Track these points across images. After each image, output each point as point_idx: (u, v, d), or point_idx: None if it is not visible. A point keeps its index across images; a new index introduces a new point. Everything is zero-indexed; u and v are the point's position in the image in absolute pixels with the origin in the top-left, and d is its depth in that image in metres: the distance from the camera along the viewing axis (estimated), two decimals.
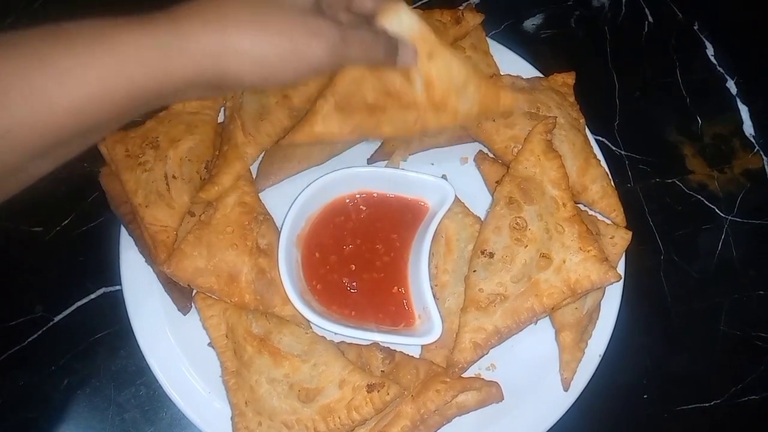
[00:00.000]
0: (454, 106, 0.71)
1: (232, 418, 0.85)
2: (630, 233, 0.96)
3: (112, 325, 0.96)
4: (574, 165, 0.97)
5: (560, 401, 0.91)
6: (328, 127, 0.73)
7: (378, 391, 0.81)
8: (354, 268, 0.92)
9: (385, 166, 1.01)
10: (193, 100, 0.96)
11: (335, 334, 0.88)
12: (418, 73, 0.68)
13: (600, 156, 1.02)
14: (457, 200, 0.95)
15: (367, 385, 0.81)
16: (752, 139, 1.16)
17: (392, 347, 0.89)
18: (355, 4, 0.67)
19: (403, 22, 0.67)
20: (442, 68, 0.68)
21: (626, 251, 0.96)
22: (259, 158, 0.99)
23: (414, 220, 0.96)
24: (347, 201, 0.96)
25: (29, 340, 0.96)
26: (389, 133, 0.74)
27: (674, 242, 1.07)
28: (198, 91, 0.60)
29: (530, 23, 1.22)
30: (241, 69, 0.58)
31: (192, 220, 0.93)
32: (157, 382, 0.89)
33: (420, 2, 1.20)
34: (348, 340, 0.89)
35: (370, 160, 1.02)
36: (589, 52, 1.22)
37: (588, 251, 0.88)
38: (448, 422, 0.88)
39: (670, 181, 1.12)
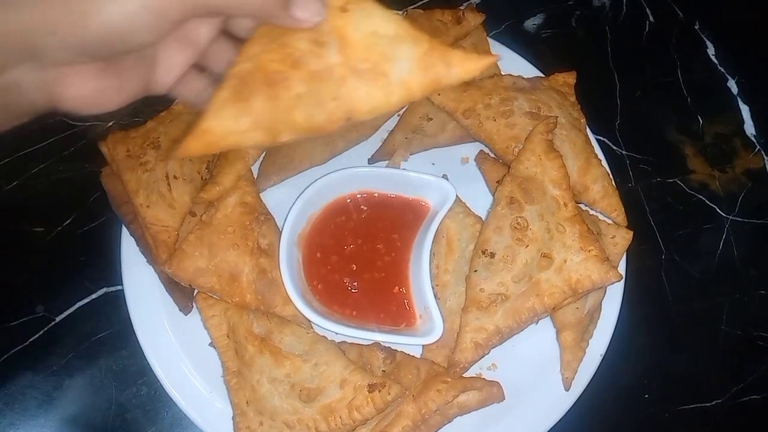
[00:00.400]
0: (384, 72, 0.50)
1: (233, 417, 0.85)
2: (631, 233, 0.96)
3: (113, 325, 0.96)
4: (575, 165, 0.97)
5: (561, 401, 0.91)
6: (221, 121, 0.52)
7: (379, 391, 0.81)
8: (355, 268, 0.92)
9: (386, 166, 1.01)
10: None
11: (336, 333, 0.88)
12: (330, 31, 0.51)
13: (601, 156, 1.01)
14: (458, 200, 0.95)
15: (368, 384, 0.81)
16: (753, 139, 1.16)
17: (393, 347, 0.89)
18: None
19: None
20: (361, 22, 0.50)
21: (627, 251, 0.96)
22: (261, 158, 0.99)
23: (415, 220, 0.96)
24: (348, 201, 0.96)
25: (31, 340, 0.96)
26: (304, 124, 0.52)
27: (675, 242, 1.07)
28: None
29: (531, 23, 1.22)
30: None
31: (193, 220, 0.93)
32: (159, 381, 0.89)
33: (420, 2, 1.20)
34: (349, 340, 0.89)
35: (371, 160, 1.02)
36: (590, 51, 1.22)
37: (589, 251, 0.88)
38: (449, 422, 0.88)
39: (671, 180, 1.12)
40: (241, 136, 0.52)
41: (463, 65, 0.50)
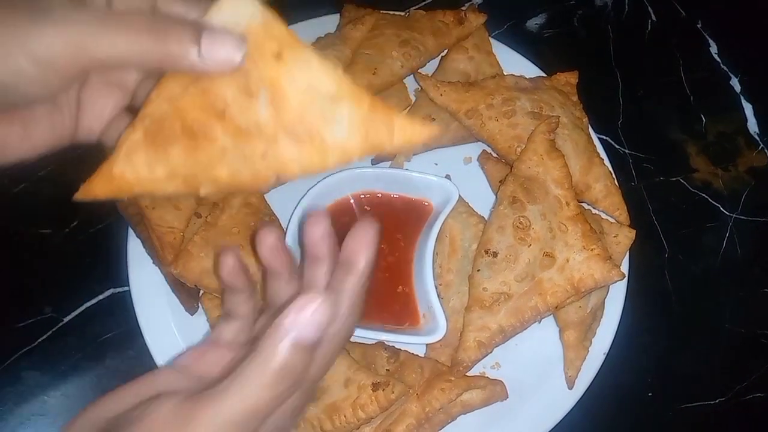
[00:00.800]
0: (320, 134, 0.44)
1: None
2: (634, 232, 0.96)
3: (120, 325, 0.97)
4: (578, 164, 0.97)
5: (565, 399, 0.91)
6: (133, 167, 0.46)
7: (383, 390, 0.81)
8: None
9: (389, 167, 1.02)
10: None
11: None
12: (261, 81, 0.44)
13: (603, 155, 1.02)
14: (461, 200, 0.96)
15: (372, 383, 0.82)
16: (757, 137, 1.16)
17: (397, 346, 0.90)
18: None
19: (240, 10, 0.45)
20: (297, 74, 0.44)
21: (630, 250, 0.96)
22: None
23: (418, 220, 0.96)
24: (352, 201, 0.97)
25: (39, 340, 0.97)
26: (228, 180, 0.46)
27: (678, 240, 1.08)
28: None
29: (533, 23, 1.23)
30: None
31: (198, 221, 0.94)
32: None
33: (422, 3, 1.20)
34: (353, 339, 0.90)
35: (375, 161, 1.02)
36: (592, 51, 1.22)
37: (591, 250, 0.88)
38: (453, 420, 0.89)
39: (674, 179, 1.12)
40: (156, 184, 0.47)
41: (405, 133, 0.45)
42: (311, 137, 0.44)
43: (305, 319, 0.45)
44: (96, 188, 0.48)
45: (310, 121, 0.44)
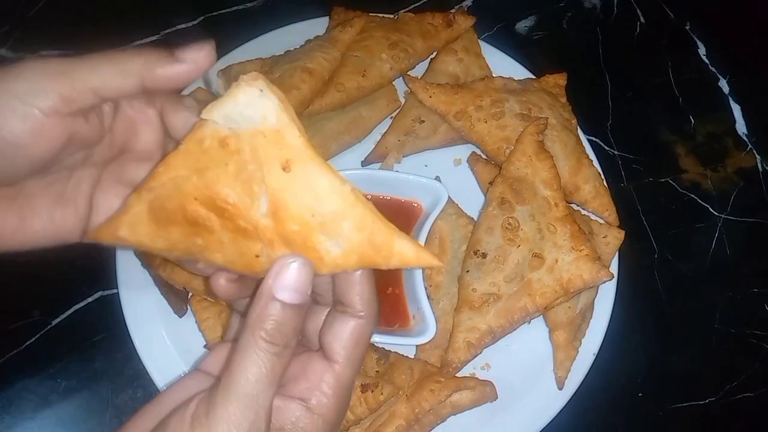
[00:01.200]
0: (315, 248, 0.45)
1: None
2: (623, 232, 0.97)
3: (109, 328, 0.97)
4: (566, 165, 0.97)
5: (554, 400, 0.91)
6: (136, 235, 0.50)
7: (372, 391, 0.81)
8: None
9: (380, 168, 1.02)
10: None
11: None
12: (264, 187, 0.44)
13: (592, 156, 1.02)
14: (450, 201, 0.96)
15: (361, 385, 0.82)
16: (745, 138, 1.17)
17: (387, 347, 0.90)
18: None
19: (256, 104, 0.43)
20: (301, 189, 0.44)
21: (620, 251, 0.97)
22: None
23: (408, 221, 0.96)
24: None
25: (27, 343, 0.96)
26: (221, 263, 0.49)
27: (668, 241, 1.08)
28: None
29: (522, 25, 1.23)
30: None
31: None
32: (154, 384, 0.90)
33: (411, 6, 1.21)
34: None
35: (365, 162, 1.03)
36: (581, 53, 1.22)
37: (580, 250, 0.89)
38: (443, 421, 0.89)
39: (663, 180, 1.13)
40: (156, 251, 0.50)
41: (404, 257, 0.45)
42: (306, 249, 0.45)
43: (287, 276, 0.46)
44: (103, 235, 0.51)
45: (307, 237, 0.45)
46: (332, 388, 0.50)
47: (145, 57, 0.48)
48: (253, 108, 0.43)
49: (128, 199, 0.49)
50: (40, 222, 0.54)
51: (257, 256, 0.47)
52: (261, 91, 0.43)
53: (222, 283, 0.53)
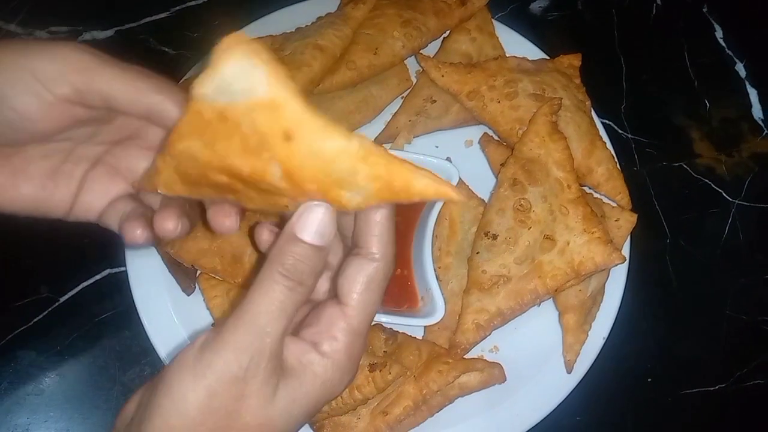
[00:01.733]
0: (336, 200, 0.45)
1: None
2: (635, 216, 0.95)
3: (116, 305, 0.97)
4: (580, 147, 0.96)
5: (563, 383, 0.90)
6: (174, 191, 0.52)
7: (380, 371, 0.81)
8: None
9: (390, 149, 1.01)
10: None
11: None
12: (273, 158, 0.43)
13: (606, 138, 1.01)
14: (461, 182, 0.95)
15: (369, 364, 0.81)
16: (761, 123, 1.15)
17: (395, 328, 0.89)
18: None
19: (244, 76, 0.41)
20: (308, 156, 0.42)
21: (632, 235, 0.96)
22: None
23: (417, 202, 0.95)
24: None
25: (35, 320, 0.97)
26: (256, 209, 0.51)
27: (680, 226, 1.07)
28: None
29: (537, 6, 1.21)
30: None
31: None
32: (161, 362, 0.89)
33: None
34: None
35: (375, 143, 1.01)
36: (596, 34, 1.20)
37: (592, 233, 0.87)
38: (451, 403, 0.88)
39: (677, 164, 1.11)
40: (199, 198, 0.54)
41: (424, 193, 0.44)
42: (328, 200, 0.46)
43: (310, 217, 0.48)
44: (146, 188, 0.54)
45: (326, 191, 0.45)
46: (343, 331, 0.50)
47: (166, 97, 0.52)
48: (240, 81, 0.40)
49: (156, 161, 0.50)
50: (30, 188, 0.55)
51: (286, 206, 0.49)
52: (246, 61, 0.40)
53: (265, 236, 0.54)
